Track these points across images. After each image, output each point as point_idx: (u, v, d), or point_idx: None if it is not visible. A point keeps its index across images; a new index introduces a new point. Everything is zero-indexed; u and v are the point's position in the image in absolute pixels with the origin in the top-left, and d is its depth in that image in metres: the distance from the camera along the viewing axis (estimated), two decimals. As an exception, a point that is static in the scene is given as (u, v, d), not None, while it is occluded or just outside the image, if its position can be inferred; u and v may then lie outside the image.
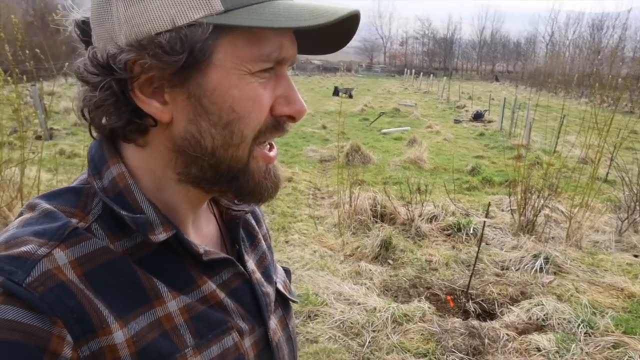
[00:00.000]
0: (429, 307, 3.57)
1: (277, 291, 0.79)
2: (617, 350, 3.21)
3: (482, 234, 3.98)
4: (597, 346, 3.25)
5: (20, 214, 0.60)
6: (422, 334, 3.27)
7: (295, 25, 0.53)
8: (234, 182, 0.61)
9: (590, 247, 5.15)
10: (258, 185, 0.62)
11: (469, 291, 3.95)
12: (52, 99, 14.20)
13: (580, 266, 4.56)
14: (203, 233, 0.70)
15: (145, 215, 0.58)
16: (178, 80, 0.55)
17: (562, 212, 5.89)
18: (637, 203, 5.50)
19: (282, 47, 0.57)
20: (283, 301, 0.81)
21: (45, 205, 0.58)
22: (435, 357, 3.07)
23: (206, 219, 0.73)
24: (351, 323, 3.38)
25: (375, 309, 3.50)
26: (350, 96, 23.57)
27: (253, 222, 0.84)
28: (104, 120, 0.58)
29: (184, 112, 0.57)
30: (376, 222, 5.14)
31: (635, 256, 4.99)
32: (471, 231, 5.15)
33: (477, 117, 16.40)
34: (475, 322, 3.40)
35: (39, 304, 0.48)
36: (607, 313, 3.69)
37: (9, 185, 4.81)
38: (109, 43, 0.55)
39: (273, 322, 0.74)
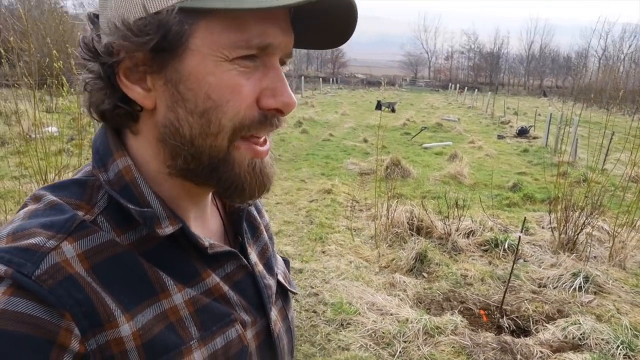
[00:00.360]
0: (462, 321, 3.58)
1: (278, 282, 0.80)
2: (657, 373, 3.13)
3: (517, 249, 3.96)
4: (635, 368, 3.18)
5: (25, 205, 0.59)
6: (453, 347, 3.29)
7: (264, 5, 0.51)
8: (214, 173, 0.59)
9: (636, 268, 5.00)
10: (240, 179, 0.60)
11: (504, 307, 3.93)
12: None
13: (623, 287, 4.44)
14: (206, 226, 0.70)
15: (152, 209, 0.59)
16: (158, 65, 0.55)
17: (605, 230, 5.74)
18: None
19: (266, 33, 0.55)
20: (283, 292, 0.81)
21: (51, 196, 0.58)
22: (465, 370, 3.09)
23: (210, 212, 0.72)
24: (383, 333, 3.44)
25: (407, 320, 3.55)
26: (393, 110, 23.57)
27: (255, 213, 0.84)
28: (95, 105, 0.60)
29: (163, 98, 0.57)
30: (412, 235, 5.18)
31: (684, 279, 4.81)
32: (508, 247, 5.10)
33: (522, 133, 16.07)
34: (508, 338, 3.39)
35: (48, 297, 0.48)
36: (647, 335, 3.59)
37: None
38: (101, 31, 0.57)
39: (274, 314, 0.75)
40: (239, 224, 0.74)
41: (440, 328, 3.49)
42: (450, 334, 3.42)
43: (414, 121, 18.29)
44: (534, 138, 15.56)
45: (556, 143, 12.88)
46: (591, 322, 3.63)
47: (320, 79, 49.21)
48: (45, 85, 6.02)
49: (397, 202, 5.88)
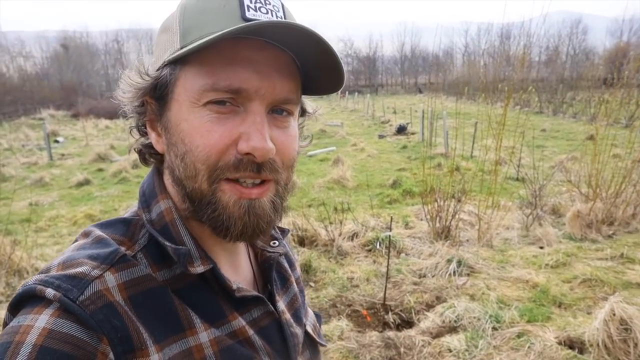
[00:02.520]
0: (347, 325, 3.66)
1: (306, 333, 0.81)
2: (521, 339, 3.43)
3: (389, 248, 4.16)
4: (503, 338, 3.45)
5: (76, 240, 0.65)
6: (340, 352, 3.34)
7: (207, 39, 0.55)
8: (203, 212, 0.62)
9: (501, 244, 5.47)
10: (224, 218, 0.62)
11: (387, 303, 4.08)
12: None
13: (490, 264, 4.83)
14: (238, 272, 0.73)
15: (187, 248, 0.63)
16: (159, 113, 0.64)
17: (475, 214, 6.22)
18: (538, 198, 5.91)
19: (234, 77, 0.58)
20: (312, 344, 0.83)
21: (98, 232, 0.64)
22: (353, 373, 3.15)
23: (242, 259, 0.75)
24: (271, 351, 3.40)
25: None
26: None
27: (286, 265, 0.86)
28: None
29: (164, 143, 0.65)
30: (296, 247, 5.21)
31: (541, 247, 5.35)
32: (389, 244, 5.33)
33: (401, 130, 17.01)
34: (391, 333, 3.51)
35: (89, 320, 0.52)
36: (513, 306, 3.93)
37: None
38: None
39: None
40: (269, 273, 0.76)
41: (327, 336, 3.53)
42: (338, 340, 3.47)
43: (300, 130, 18.57)
44: (412, 134, 16.54)
45: (430, 137, 13.80)
46: (464, 303, 3.89)
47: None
48: None
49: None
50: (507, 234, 5.75)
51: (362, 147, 13.38)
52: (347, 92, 39.16)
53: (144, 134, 0.69)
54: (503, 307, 3.90)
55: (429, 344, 3.42)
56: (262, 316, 0.70)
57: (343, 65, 0.64)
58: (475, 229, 5.78)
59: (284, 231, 0.86)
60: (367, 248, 5.40)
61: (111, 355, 0.52)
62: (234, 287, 0.66)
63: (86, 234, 0.65)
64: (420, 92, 53.92)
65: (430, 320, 3.74)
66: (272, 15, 0.61)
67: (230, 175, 0.60)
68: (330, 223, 5.61)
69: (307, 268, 4.61)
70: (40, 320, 0.51)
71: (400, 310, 4.01)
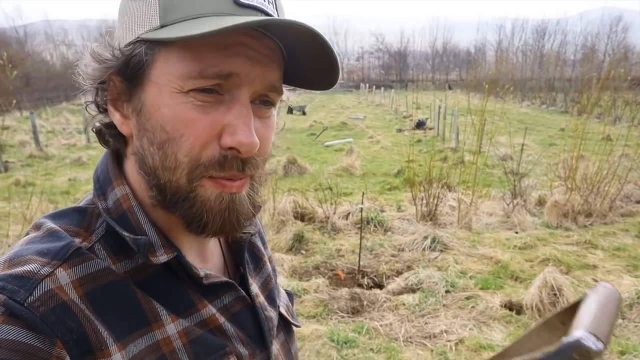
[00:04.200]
0: (323, 282, 4.35)
1: (280, 315, 0.78)
2: (469, 300, 4.05)
3: (361, 219, 4.82)
4: (454, 299, 4.08)
5: (27, 234, 0.60)
6: (314, 302, 4.04)
7: (198, 32, 0.50)
8: (177, 207, 0.58)
9: (481, 228, 6.04)
10: (205, 215, 0.58)
11: (364, 269, 4.75)
12: (7, 133, 14.61)
13: (464, 243, 5.43)
14: (206, 257, 0.70)
15: (147, 237, 0.58)
16: (129, 94, 0.57)
17: (463, 201, 6.80)
18: (518, 188, 6.47)
19: (224, 62, 0.54)
20: (285, 325, 0.80)
21: (50, 224, 0.58)
22: (322, 317, 3.84)
23: (212, 242, 0.72)
24: (258, 299, 4.12)
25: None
26: (304, 113, 24.50)
27: (259, 243, 0.82)
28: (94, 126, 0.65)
29: (134, 127, 0.58)
30: (297, 222, 5.92)
31: (516, 232, 5.91)
32: (377, 223, 5.98)
33: (419, 125, 17.46)
34: (358, 290, 4.19)
35: (39, 324, 0.48)
36: (472, 276, 4.54)
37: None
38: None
39: (275, 347, 0.74)
40: (241, 255, 0.73)
41: (306, 290, 4.22)
42: (313, 293, 4.17)
43: (321, 122, 19.26)
44: (430, 129, 16.98)
45: (444, 132, 14.29)
46: (429, 272, 4.52)
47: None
48: None
49: (286, 195, 6.62)
50: (489, 219, 6.32)
51: (377, 139, 13.97)
52: (374, 87, 39.53)
53: (103, 111, 0.63)
54: (462, 276, 4.52)
55: (389, 300, 4.08)
56: (233, 302, 0.68)
57: (339, 63, 0.61)
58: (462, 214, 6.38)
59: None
60: (358, 226, 6.06)
61: (67, 359, 0.49)
62: (201, 274, 0.62)
63: (37, 227, 0.59)
64: (450, 88, 53.72)
65: (396, 284, 4.39)
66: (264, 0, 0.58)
67: (215, 173, 0.56)
68: (330, 204, 6.29)
69: (299, 238, 5.31)
70: None
71: (375, 276, 4.67)
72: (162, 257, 0.59)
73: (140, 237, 0.58)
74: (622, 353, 3.24)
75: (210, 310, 0.64)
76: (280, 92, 0.62)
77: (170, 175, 0.57)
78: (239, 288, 0.69)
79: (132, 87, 0.57)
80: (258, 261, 0.80)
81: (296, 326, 0.84)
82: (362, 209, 4.73)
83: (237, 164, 0.57)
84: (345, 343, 3.39)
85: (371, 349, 3.36)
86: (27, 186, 9.34)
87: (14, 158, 12.19)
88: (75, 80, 0.61)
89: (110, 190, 0.62)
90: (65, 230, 0.58)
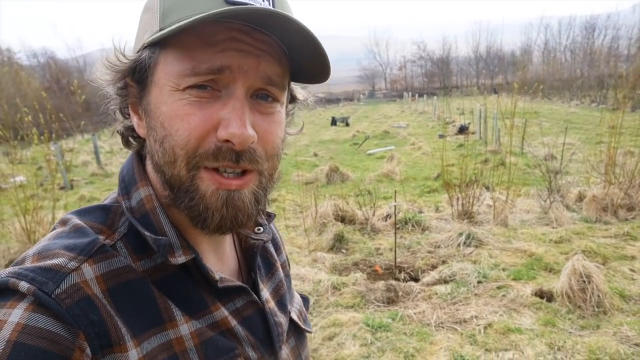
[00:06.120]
0: (361, 276, 4.66)
1: (291, 321, 0.80)
2: (500, 289, 4.24)
3: (395, 215, 5.07)
4: (485, 289, 4.28)
5: (54, 228, 0.63)
6: (352, 294, 4.35)
7: (175, 27, 0.54)
8: (182, 202, 0.61)
9: (518, 224, 6.17)
10: (203, 210, 0.60)
11: (401, 265, 5.01)
12: (72, 154, 15.79)
13: (499, 239, 5.59)
14: (221, 260, 0.72)
15: (167, 238, 0.61)
16: (141, 97, 0.62)
17: (501, 200, 6.93)
18: (554, 184, 6.55)
19: (215, 58, 0.57)
20: (297, 331, 0.81)
21: (76, 220, 0.61)
22: (359, 307, 4.14)
23: (227, 247, 0.74)
24: (301, 291, 4.47)
25: (320, 280, 4.60)
26: (347, 124, 24.86)
27: (272, 250, 0.85)
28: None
29: (145, 127, 0.63)
30: (338, 223, 6.25)
31: (554, 228, 5.99)
32: (415, 223, 6.23)
33: (462, 130, 17.45)
34: (394, 282, 4.46)
35: (65, 315, 0.51)
36: (505, 268, 4.72)
37: (43, 224, 6.10)
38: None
39: (285, 352, 0.75)
40: (253, 260, 0.75)
41: (345, 283, 4.54)
42: (352, 286, 4.48)
43: (364, 132, 19.57)
44: (473, 133, 16.95)
45: (485, 136, 14.27)
46: (462, 265, 4.74)
47: (280, 102, 50.22)
48: (11, 138, 6.97)
49: (327, 199, 6.97)
50: (526, 216, 6.44)
51: (419, 146, 14.14)
52: (417, 95, 39.48)
53: (127, 116, 0.67)
54: (494, 268, 4.70)
55: (423, 290, 4.33)
56: (245, 306, 0.70)
57: (327, 55, 0.62)
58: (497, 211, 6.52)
59: (269, 216, 0.84)
60: (397, 226, 6.33)
61: (88, 351, 0.51)
62: (217, 277, 0.64)
63: (64, 222, 0.62)
64: (495, 92, 52.79)
65: (430, 276, 4.64)
66: None
67: (209, 163, 0.59)
68: (370, 207, 6.60)
69: (339, 238, 5.65)
70: (14, 315, 0.49)
71: (411, 271, 4.93)
72: (180, 259, 0.62)
73: (161, 237, 0.61)
74: (648, 333, 3.36)
75: (222, 312, 0.66)
76: (282, 87, 0.63)
77: (172, 169, 0.60)
78: (252, 292, 0.71)
79: (141, 90, 0.62)
80: (270, 267, 0.83)
81: (308, 332, 0.85)
82: (395, 206, 5.01)
83: (231, 155, 0.59)
84: (380, 327, 3.68)
85: (404, 333, 3.64)
86: (91, 200, 10.17)
87: (78, 177, 13.21)
88: (98, 87, 0.67)
89: (135, 191, 0.65)
90: (90, 227, 0.61)
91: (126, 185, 0.66)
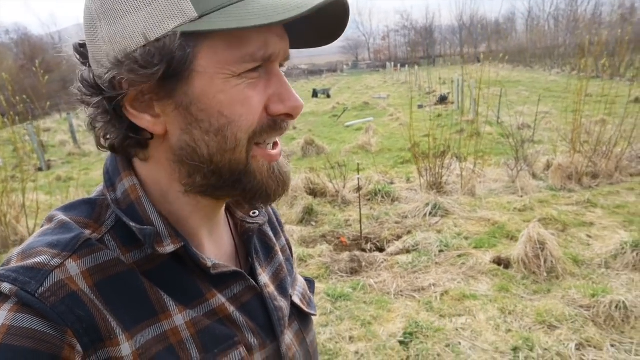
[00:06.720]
0: (327, 248, 4.76)
1: (294, 304, 0.78)
2: (460, 258, 4.38)
3: (359, 189, 5.19)
4: (446, 257, 4.41)
5: (42, 226, 0.62)
6: (317, 265, 4.46)
7: (268, 21, 0.52)
8: (238, 185, 0.61)
9: (485, 194, 6.30)
10: (263, 185, 0.62)
11: (368, 236, 5.12)
12: (48, 134, 15.61)
13: (465, 208, 5.72)
14: (219, 246, 0.71)
15: (153, 227, 0.60)
16: (165, 91, 0.56)
17: (470, 169, 7.05)
18: (520, 153, 6.69)
19: (267, 44, 0.57)
20: (300, 315, 0.80)
21: (61, 216, 0.60)
22: (323, 278, 4.25)
23: (224, 232, 0.73)
24: (268, 265, 4.58)
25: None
26: (328, 96, 24.77)
27: (270, 233, 0.84)
28: (104, 137, 0.62)
29: (176, 122, 0.58)
30: (307, 196, 6.33)
31: (520, 196, 6.13)
32: (385, 194, 6.33)
33: (442, 100, 17.53)
34: (357, 253, 4.57)
35: (49, 313, 0.50)
36: (467, 237, 4.85)
37: (15, 207, 6.10)
38: (95, 63, 0.57)
39: (288, 337, 0.74)
40: (250, 245, 0.75)
41: (311, 255, 4.64)
42: (317, 257, 4.59)
43: (343, 103, 19.54)
44: (452, 103, 17.03)
45: (462, 105, 14.36)
46: (426, 235, 4.85)
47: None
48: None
49: (297, 173, 7.03)
50: (494, 185, 6.57)
51: (397, 116, 14.19)
52: (399, 65, 39.29)
53: (116, 119, 0.59)
54: (456, 237, 4.83)
55: (386, 260, 4.45)
56: (243, 291, 0.69)
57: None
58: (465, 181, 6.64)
59: None
60: (367, 198, 6.43)
61: (78, 347, 0.51)
62: (209, 264, 0.63)
63: (50, 219, 0.61)
64: (479, 61, 52.79)
65: (395, 247, 4.75)
66: None
67: (264, 138, 0.61)
68: (336, 178, 6.67)
69: (309, 211, 5.73)
70: None
71: (377, 241, 5.04)
72: (169, 247, 0.60)
73: (146, 227, 0.59)
74: (593, 296, 3.52)
75: (219, 299, 0.65)
76: (289, 58, 0.66)
77: (231, 156, 0.59)
78: (249, 277, 0.70)
79: (171, 84, 0.56)
80: (270, 251, 0.81)
81: (312, 315, 0.84)
82: (359, 179, 5.09)
83: (283, 127, 0.62)
84: (340, 297, 3.80)
85: (364, 302, 3.76)
86: (67, 181, 10.11)
87: (55, 157, 13.08)
88: (75, 94, 0.60)
89: (119, 182, 0.63)
90: (75, 222, 0.59)
91: (110, 177, 0.64)
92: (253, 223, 0.76)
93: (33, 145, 11.69)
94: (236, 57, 0.56)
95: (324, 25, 0.62)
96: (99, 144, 0.64)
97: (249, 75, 0.57)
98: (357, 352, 3.12)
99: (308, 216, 5.72)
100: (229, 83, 0.56)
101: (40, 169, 10.95)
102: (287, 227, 5.47)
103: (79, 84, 0.58)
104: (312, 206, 5.78)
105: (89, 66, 0.60)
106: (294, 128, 14.19)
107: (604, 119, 11.97)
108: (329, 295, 3.82)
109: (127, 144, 0.61)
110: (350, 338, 3.28)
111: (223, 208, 0.71)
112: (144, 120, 0.58)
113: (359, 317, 3.51)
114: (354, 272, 4.30)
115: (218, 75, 0.56)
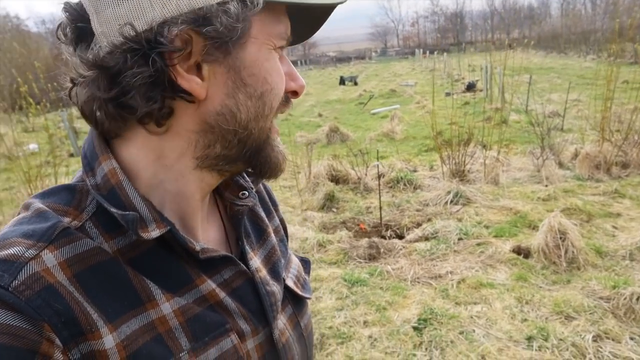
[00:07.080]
0: (347, 234, 4.80)
1: (287, 288, 0.77)
2: (479, 246, 4.36)
3: (379, 176, 5.19)
4: (465, 246, 4.40)
5: (19, 213, 0.58)
6: (336, 251, 4.51)
7: (326, 1, 0.61)
8: (257, 155, 0.63)
9: (510, 183, 6.22)
10: (275, 159, 0.64)
11: (388, 223, 5.14)
12: (81, 121, 16.03)
13: (487, 197, 5.67)
14: (208, 230, 0.70)
15: (136, 212, 0.57)
16: (220, 53, 0.56)
17: (495, 157, 6.96)
18: (546, 142, 6.55)
19: (288, 28, 0.62)
20: (294, 298, 0.78)
21: (38, 204, 0.57)
22: (341, 263, 4.31)
23: (211, 214, 0.72)
24: (288, 250, 4.65)
25: (306, 238, 4.76)
26: (356, 83, 24.64)
27: (262, 214, 0.81)
28: (135, 105, 0.54)
29: (222, 86, 0.57)
30: (329, 183, 6.37)
31: (546, 186, 6.04)
32: (407, 182, 6.32)
33: (470, 87, 17.22)
34: (376, 239, 4.60)
35: (25, 308, 0.47)
36: (488, 226, 4.82)
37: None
38: (136, 20, 0.52)
39: (281, 322, 0.72)
40: (240, 227, 0.73)
41: (330, 241, 4.70)
42: (337, 243, 4.64)
43: (370, 91, 19.42)
44: (480, 91, 16.73)
45: (491, 93, 14.10)
46: (446, 222, 4.84)
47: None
48: (18, 108, 7.13)
49: (321, 159, 7.07)
50: (519, 174, 6.48)
51: (424, 104, 14.04)
52: (427, 52, 38.70)
53: (157, 80, 0.54)
54: (477, 225, 4.81)
55: (404, 247, 4.47)
56: (234, 276, 0.66)
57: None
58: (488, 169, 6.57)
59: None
60: (389, 185, 6.43)
61: (57, 341, 0.48)
62: (197, 248, 0.60)
63: (26, 207, 0.58)
64: (510, 48, 51.48)
65: (414, 234, 4.76)
66: None
67: (279, 112, 0.64)
68: (364, 167, 6.69)
69: (330, 197, 5.78)
70: None
71: (397, 228, 5.06)
72: (154, 232, 0.57)
73: (128, 212, 0.56)
74: (614, 287, 3.47)
75: (209, 285, 0.62)
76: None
77: (263, 123, 0.61)
78: (239, 262, 0.67)
79: (227, 46, 0.56)
80: (262, 233, 0.78)
81: (307, 298, 0.81)
82: (378, 165, 5.10)
83: (290, 102, 0.66)
84: (357, 282, 3.84)
85: (380, 288, 3.80)
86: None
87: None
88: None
89: (98, 166, 0.59)
90: (53, 210, 0.56)
91: (89, 162, 0.60)
92: (242, 205, 0.73)
93: (66, 132, 12.06)
94: (277, 32, 0.60)
95: (312, 22, 0.67)
96: (93, 121, 0.59)
97: (279, 52, 0.62)
98: (370, 337, 3.16)
99: (329, 202, 5.76)
100: (271, 53, 0.60)
101: (72, 155, 11.29)
102: (308, 213, 5.54)
103: (111, 42, 0.53)
104: (333, 193, 5.83)
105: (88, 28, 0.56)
106: (320, 115, 14.22)
107: (638, 107, 11.62)
108: (345, 280, 3.87)
109: (163, 112, 0.56)
110: (365, 322, 3.33)
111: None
112: (192, 83, 0.55)
113: (374, 302, 3.55)
114: (372, 258, 4.33)
115: (265, 44, 0.59)
